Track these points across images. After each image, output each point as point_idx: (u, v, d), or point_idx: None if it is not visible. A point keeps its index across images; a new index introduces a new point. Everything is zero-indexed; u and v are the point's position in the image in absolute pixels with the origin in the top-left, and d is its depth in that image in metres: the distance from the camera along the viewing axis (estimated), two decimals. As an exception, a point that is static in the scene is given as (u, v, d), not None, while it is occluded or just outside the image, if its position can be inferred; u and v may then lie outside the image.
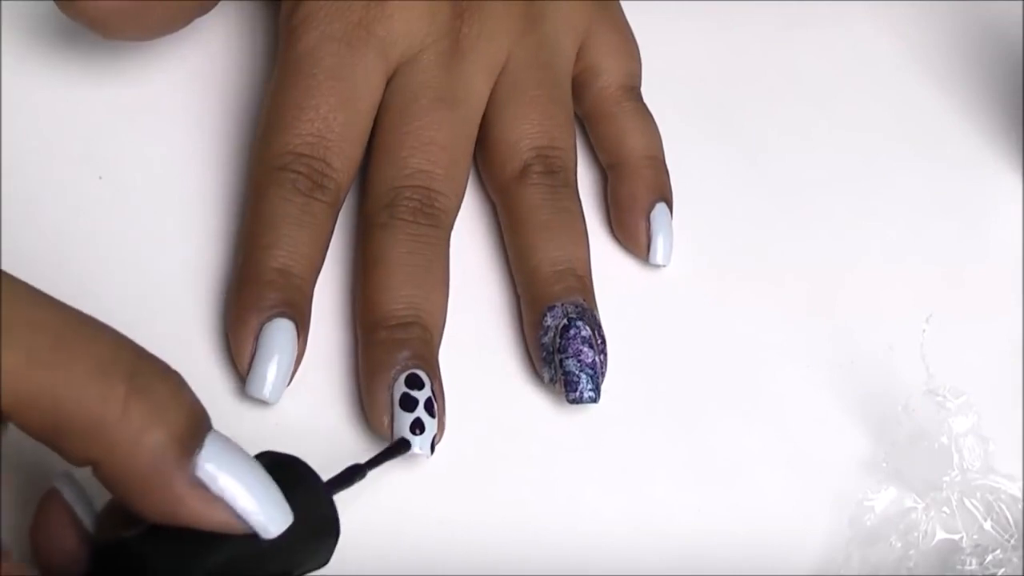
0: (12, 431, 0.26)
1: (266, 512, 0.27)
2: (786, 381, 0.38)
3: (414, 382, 0.34)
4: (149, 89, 0.41)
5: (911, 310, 0.38)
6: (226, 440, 0.27)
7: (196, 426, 0.27)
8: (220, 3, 0.42)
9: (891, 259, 0.41)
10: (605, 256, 0.40)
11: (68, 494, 0.28)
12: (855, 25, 0.46)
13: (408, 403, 0.34)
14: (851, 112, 0.44)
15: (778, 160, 0.43)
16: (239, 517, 0.27)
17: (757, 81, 0.44)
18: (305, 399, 0.35)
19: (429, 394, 0.34)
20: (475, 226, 0.40)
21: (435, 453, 0.34)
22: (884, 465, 0.36)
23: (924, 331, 0.36)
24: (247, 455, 0.28)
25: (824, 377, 0.38)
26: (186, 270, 0.37)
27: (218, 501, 0.27)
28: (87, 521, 0.28)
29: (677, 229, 0.40)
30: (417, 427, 0.34)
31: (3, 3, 0.39)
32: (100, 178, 0.39)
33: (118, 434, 0.25)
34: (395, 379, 0.34)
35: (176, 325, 0.36)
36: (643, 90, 0.42)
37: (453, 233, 0.39)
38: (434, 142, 0.38)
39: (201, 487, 0.26)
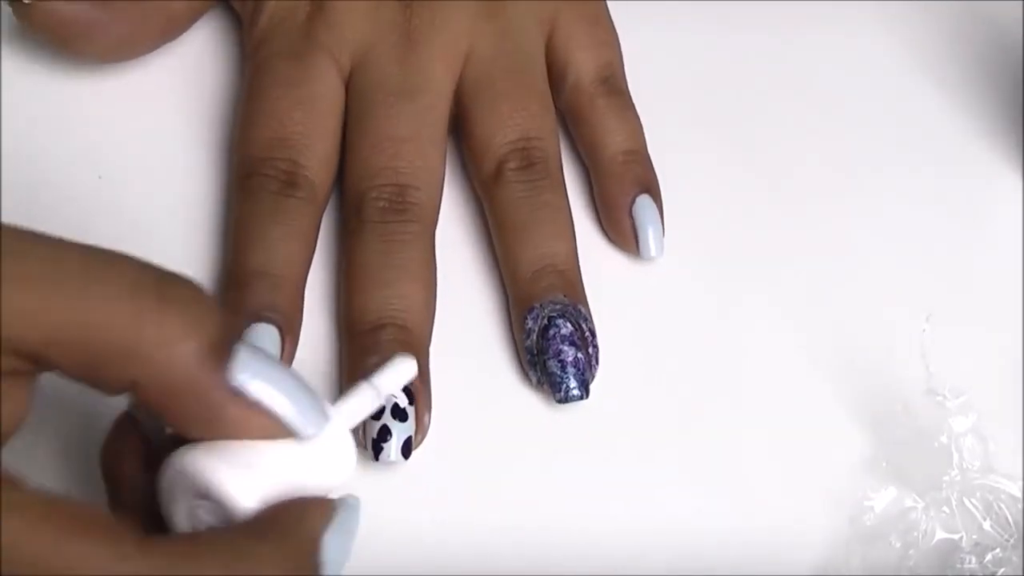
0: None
1: (302, 414, 0.27)
2: (785, 380, 0.38)
3: None
4: (149, 89, 0.41)
5: (911, 310, 0.38)
6: (256, 348, 0.27)
7: (227, 335, 0.27)
8: (220, 3, 0.42)
9: (891, 259, 0.41)
10: (600, 252, 0.40)
11: (142, 415, 0.29)
12: (854, 24, 0.46)
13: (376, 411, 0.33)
14: (851, 111, 0.44)
15: (777, 160, 0.43)
16: (278, 420, 0.27)
17: (757, 81, 0.44)
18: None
19: (395, 399, 0.34)
20: (470, 224, 0.40)
21: (426, 452, 0.34)
22: (884, 465, 0.36)
23: (924, 331, 0.36)
24: (278, 361, 0.28)
25: (824, 377, 0.38)
26: (187, 270, 0.37)
27: (256, 405, 0.27)
28: (155, 438, 0.29)
29: (677, 229, 0.40)
30: (387, 434, 0.33)
31: (2, 3, 0.39)
32: (100, 178, 0.39)
33: (155, 348, 0.26)
34: None
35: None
36: (643, 89, 0.41)
37: (449, 231, 0.39)
38: (394, 137, 0.37)
39: (238, 393, 0.26)
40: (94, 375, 0.26)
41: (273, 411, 0.27)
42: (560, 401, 0.36)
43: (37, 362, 0.26)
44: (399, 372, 0.31)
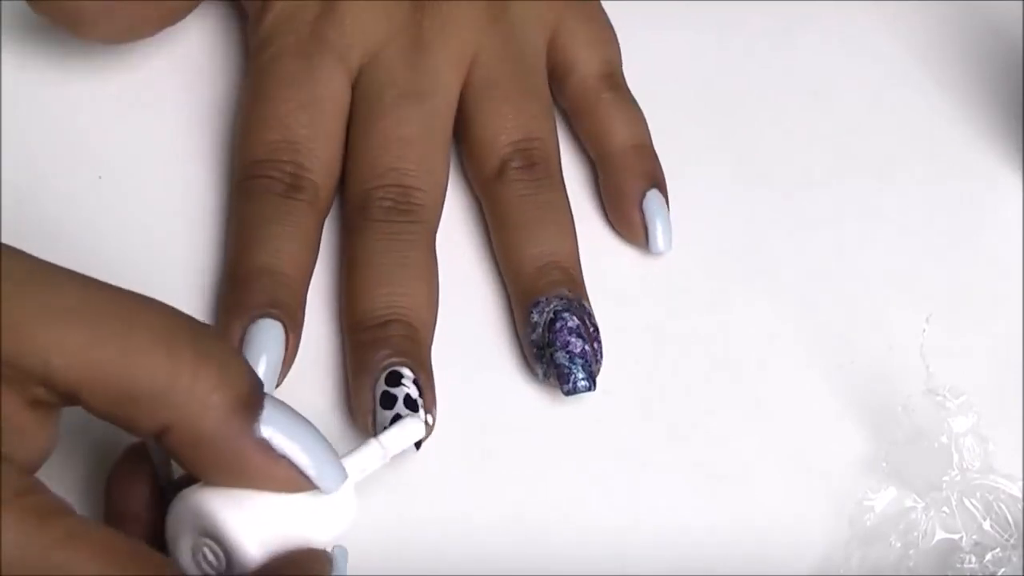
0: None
1: (324, 469, 0.28)
2: (786, 381, 0.38)
3: (393, 379, 0.34)
4: (150, 88, 0.41)
5: (911, 310, 0.38)
6: (283, 403, 0.28)
7: (257, 389, 0.28)
8: (221, 2, 0.42)
9: (891, 259, 0.41)
10: (602, 250, 0.40)
11: (153, 450, 0.29)
12: (855, 25, 0.46)
13: (387, 401, 0.34)
14: (851, 111, 0.44)
15: (778, 160, 0.43)
16: (301, 473, 0.28)
17: (758, 80, 0.44)
18: (303, 401, 0.35)
19: (407, 390, 0.34)
20: (469, 223, 0.40)
21: (429, 449, 0.34)
22: (884, 465, 0.36)
23: (924, 331, 0.36)
24: (303, 417, 0.29)
25: (824, 377, 0.38)
26: (187, 271, 0.37)
27: (281, 459, 0.28)
28: (163, 476, 0.30)
29: (680, 229, 0.40)
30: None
31: (3, 3, 0.39)
32: (100, 178, 0.39)
33: (189, 398, 0.26)
34: (377, 379, 0.34)
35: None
36: (645, 89, 0.42)
37: (449, 231, 0.39)
38: (402, 139, 0.37)
39: (265, 446, 0.27)
40: (124, 416, 0.27)
41: (298, 465, 0.28)
42: (568, 393, 0.36)
43: (65, 397, 0.26)
44: (408, 432, 0.32)
